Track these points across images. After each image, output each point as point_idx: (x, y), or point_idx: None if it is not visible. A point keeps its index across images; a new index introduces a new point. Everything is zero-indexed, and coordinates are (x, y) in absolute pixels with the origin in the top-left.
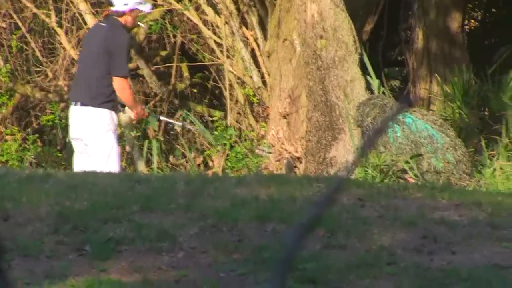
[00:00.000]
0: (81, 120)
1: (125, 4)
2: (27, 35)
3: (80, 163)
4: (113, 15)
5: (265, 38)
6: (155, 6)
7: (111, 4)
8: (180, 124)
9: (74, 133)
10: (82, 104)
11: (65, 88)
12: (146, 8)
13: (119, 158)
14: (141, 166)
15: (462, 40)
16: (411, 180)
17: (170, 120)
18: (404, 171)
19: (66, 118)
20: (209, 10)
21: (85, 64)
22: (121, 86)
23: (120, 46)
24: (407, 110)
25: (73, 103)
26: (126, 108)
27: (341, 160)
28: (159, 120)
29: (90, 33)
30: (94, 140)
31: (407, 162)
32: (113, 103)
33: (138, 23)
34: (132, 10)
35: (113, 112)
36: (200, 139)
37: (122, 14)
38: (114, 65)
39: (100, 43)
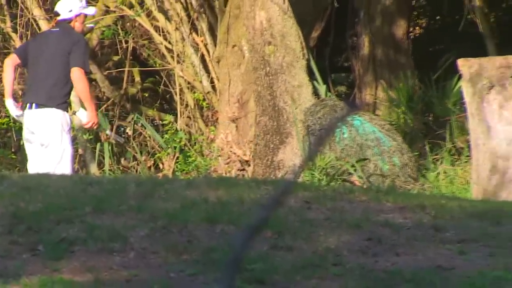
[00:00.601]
0: (37, 122)
1: (70, 11)
2: None
3: (34, 166)
4: (63, 23)
5: (215, 44)
6: (107, 12)
7: (58, 14)
8: (120, 138)
9: (28, 135)
10: (37, 106)
11: (19, 92)
12: (90, 11)
13: (72, 160)
14: (93, 169)
15: (407, 47)
16: (357, 183)
17: (113, 135)
18: (349, 173)
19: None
20: (160, 17)
21: (40, 67)
22: (78, 76)
23: (77, 42)
24: (353, 114)
25: (28, 105)
26: (79, 112)
27: (289, 163)
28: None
29: (41, 39)
30: (49, 141)
31: (352, 166)
32: (67, 105)
33: (88, 25)
34: (78, 16)
35: (67, 114)
36: (151, 142)
37: (70, 20)
38: (73, 58)
39: (55, 45)
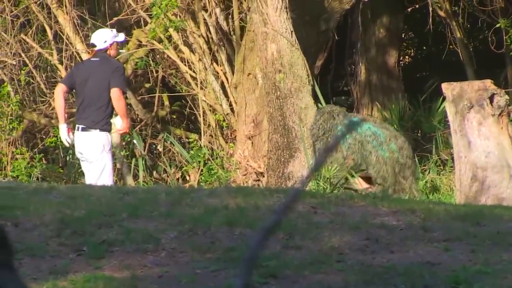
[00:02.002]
0: (83, 142)
1: (104, 42)
2: (33, 71)
3: (88, 177)
4: (100, 53)
5: (233, 72)
6: (140, 46)
7: (94, 46)
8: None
9: (78, 154)
10: (84, 129)
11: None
12: (121, 38)
13: (112, 174)
14: (129, 180)
15: (398, 73)
16: (362, 185)
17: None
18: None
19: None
20: (185, 49)
21: (85, 94)
22: (117, 95)
23: (116, 69)
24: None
25: (76, 128)
26: (115, 119)
27: (297, 174)
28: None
29: (84, 68)
30: (92, 158)
31: (352, 176)
32: (108, 126)
33: (120, 51)
34: (111, 44)
35: (109, 135)
36: (178, 157)
37: (106, 50)
38: (113, 80)
39: (97, 74)
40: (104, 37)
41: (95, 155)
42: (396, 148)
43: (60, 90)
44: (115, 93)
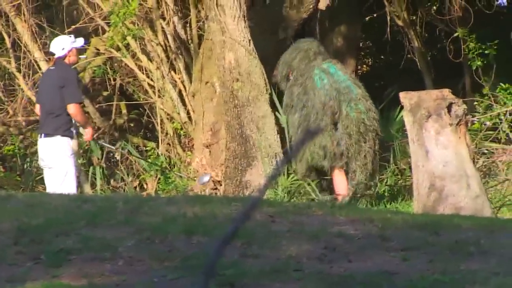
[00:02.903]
0: (44, 149)
1: (63, 49)
2: None
3: (50, 184)
4: (59, 60)
5: (190, 81)
6: (98, 54)
7: (53, 54)
8: (113, 148)
9: (40, 161)
10: (45, 135)
11: (23, 123)
12: (79, 43)
13: (76, 180)
14: (87, 189)
15: None
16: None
17: (108, 145)
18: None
19: (25, 148)
20: (143, 57)
21: (44, 103)
22: (75, 111)
23: (69, 79)
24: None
25: (39, 135)
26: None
27: (255, 183)
28: (101, 146)
29: (44, 77)
30: (56, 164)
31: (309, 184)
32: (69, 132)
33: (80, 56)
34: (70, 51)
35: (70, 140)
36: (136, 166)
37: (65, 57)
38: (67, 94)
39: (53, 82)
40: (62, 44)
41: (56, 161)
42: (363, 108)
43: (37, 110)
44: (71, 110)
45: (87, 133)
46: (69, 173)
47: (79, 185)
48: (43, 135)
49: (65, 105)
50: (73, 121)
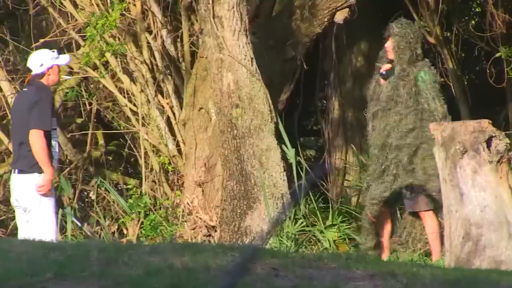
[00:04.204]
0: (18, 187)
1: (41, 65)
2: None
3: (23, 229)
4: (36, 78)
5: (181, 106)
6: (71, 73)
7: (30, 70)
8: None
9: (14, 201)
10: (20, 172)
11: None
12: (64, 60)
13: (56, 225)
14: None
15: None
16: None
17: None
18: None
19: None
20: (125, 78)
21: (13, 131)
22: (34, 137)
23: (41, 100)
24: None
25: (13, 171)
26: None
27: (256, 229)
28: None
29: (15, 102)
30: (33, 207)
31: (321, 232)
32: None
33: (63, 77)
34: (50, 68)
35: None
36: (114, 207)
37: (43, 75)
38: (32, 118)
39: (25, 106)
40: (41, 60)
41: (33, 202)
42: None
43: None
44: (31, 136)
45: (44, 177)
46: (48, 216)
47: None
48: (16, 171)
49: None
50: (53, 152)
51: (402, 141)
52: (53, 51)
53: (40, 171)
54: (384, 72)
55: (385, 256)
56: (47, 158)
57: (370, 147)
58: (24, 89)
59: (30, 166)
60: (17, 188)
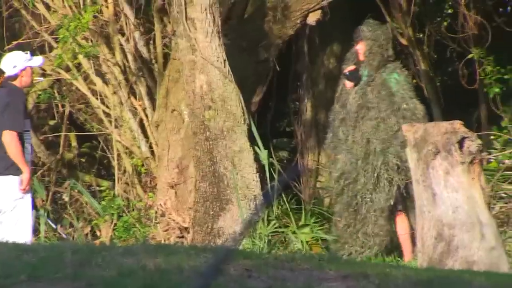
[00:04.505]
0: None
1: (14, 67)
2: None
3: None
4: (9, 80)
5: (154, 108)
6: (43, 75)
7: (3, 72)
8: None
9: None
10: None
11: None
12: (37, 62)
13: (32, 227)
14: None
15: None
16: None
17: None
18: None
19: None
20: (97, 80)
21: None
22: (8, 139)
23: (14, 101)
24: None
25: None
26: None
27: (229, 230)
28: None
29: None
30: (8, 208)
31: (293, 232)
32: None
33: (37, 78)
34: (23, 70)
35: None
36: (87, 209)
37: (16, 77)
38: (5, 119)
39: None
40: (14, 62)
41: (8, 204)
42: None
43: None
44: (5, 137)
45: (24, 175)
46: (23, 218)
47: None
48: None
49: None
50: (27, 153)
51: (386, 145)
52: (26, 53)
53: (15, 173)
54: (347, 73)
55: (406, 259)
56: (23, 158)
57: (341, 153)
58: None
59: (6, 168)
60: None
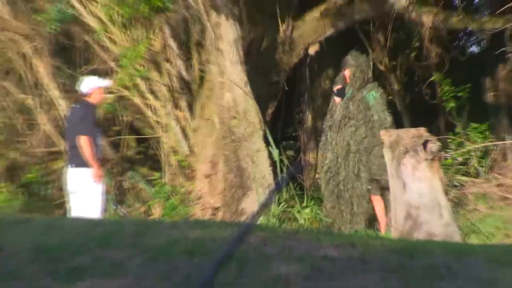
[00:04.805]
0: (72, 178)
1: (86, 87)
2: (13, 114)
3: (75, 211)
4: (83, 97)
5: (192, 117)
6: (110, 93)
7: (79, 91)
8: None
9: (70, 188)
10: (72, 166)
11: (41, 154)
12: (106, 83)
13: (103, 207)
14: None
15: None
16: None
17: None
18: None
19: (44, 176)
20: (150, 96)
21: (66, 137)
22: (81, 142)
23: (83, 115)
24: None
25: (69, 166)
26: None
27: (249, 210)
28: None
29: (68, 115)
30: (80, 192)
31: (298, 212)
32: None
33: (106, 95)
34: (94, 89)
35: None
36: (143, 193)
37: (89, 95)
38: (79, 127)
39: (75, 119)
40: (88, 83)
41: (83, 189)
42: None
43: (66, 146)
44: (79, 141)
45: (94, 172)
46: (95, 200)
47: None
48: (70, 165)
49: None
50: (98, 151)
51: (360, 146)
52: (98, 77)
53: (87, 166)
54: (336, 91)
55: (383, 231)
56: (93, 156)
57: (325, 152)
58: (73, 105)
59: (80, 162)
60: (71, 179)
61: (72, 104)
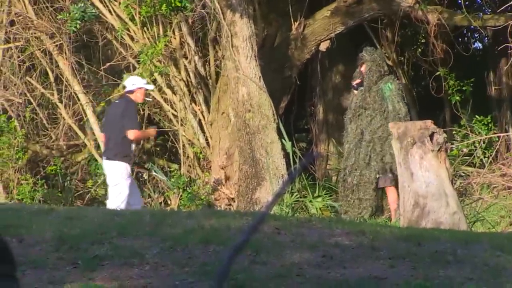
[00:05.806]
0: (106, 170)
1: (133, 84)
2: (37, 108)
3: (109, 201)
4: (126, 94)
5: (209, 111)
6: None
7: (125, 87)
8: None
9: (107, 179)
10: (107, 159)
11: (64, 147)
12: (150, 87)
13: (126, 199)
14: None
15: None
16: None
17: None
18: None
19: (65, 168)
20: (168, 91)
21: (107, 130)
22: (132, 135)
23: (127, 110)
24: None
25: (104, 158)
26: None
27: (263, 200)
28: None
29: (109, 109)
30: (113, 184)
31: (310, 201)
32: (128, 157)
33: (146, 98)
34: (139, 88)
35: (127, 165)
36: (161, 184)
37: (132, 92)
38: (126, 123)
39: (115, 113)
40: (134, 81)
41: (113, 181)
42: None
43: (102, 137)
44: (130, 135)
45: (150, 132)
46: (122, 193)
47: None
48: (105, 158)
49: (123, 134)
50: (131, 148)
51: (375, 135)
52: (144, 78)
53: (120, 159)
54: (355, 85)
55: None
56: (143, 133)
57: (345, 144)
58: (116, 101)
59: (114, 155)
60: (106, 170)
61: (115, 99)
